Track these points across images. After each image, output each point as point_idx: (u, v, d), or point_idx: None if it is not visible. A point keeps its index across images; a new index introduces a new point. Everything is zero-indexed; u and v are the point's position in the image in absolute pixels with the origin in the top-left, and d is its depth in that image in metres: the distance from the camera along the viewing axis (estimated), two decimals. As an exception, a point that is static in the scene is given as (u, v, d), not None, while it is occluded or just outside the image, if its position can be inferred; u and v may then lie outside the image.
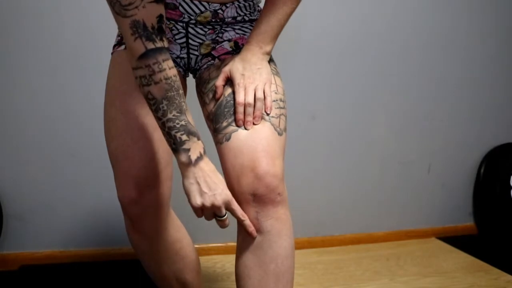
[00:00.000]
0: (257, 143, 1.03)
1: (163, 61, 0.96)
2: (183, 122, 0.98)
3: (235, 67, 1.11)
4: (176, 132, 0.98)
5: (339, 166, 2.21)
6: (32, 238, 1.90)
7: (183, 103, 1.00)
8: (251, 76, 1.09)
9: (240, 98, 1.07)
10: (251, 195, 1.01)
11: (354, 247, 2.22)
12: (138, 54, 0.94)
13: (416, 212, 2.35)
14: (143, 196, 1.11)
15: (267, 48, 1.12)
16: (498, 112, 2.40)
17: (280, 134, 1.07)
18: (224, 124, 1.08)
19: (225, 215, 1.03)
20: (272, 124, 1.07)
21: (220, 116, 1.10)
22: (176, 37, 1.15)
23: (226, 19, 1.14)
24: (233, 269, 1.97)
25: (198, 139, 1.00)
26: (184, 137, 0.98)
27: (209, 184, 0.99)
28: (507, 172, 2.31)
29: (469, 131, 2.37)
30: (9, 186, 1.86)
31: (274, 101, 1.09)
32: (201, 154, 1.00)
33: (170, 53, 1.17)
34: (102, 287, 1.77)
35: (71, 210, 1.93)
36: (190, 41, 1.15)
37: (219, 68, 1.15)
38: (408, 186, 2.32)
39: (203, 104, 1.19)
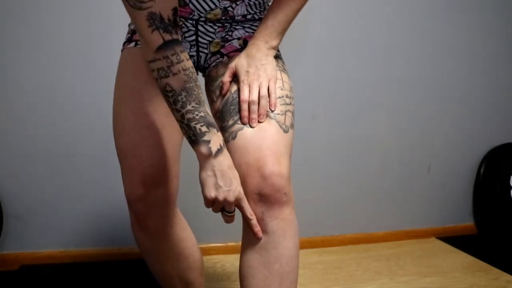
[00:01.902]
0: (262, 142, 1.03)
1: (181, 52, 0.96)
2: (202, 114, 0.98)
3: (240, 63, 1.11)
4: (196, 124, 0.97)
5: (339, 166, 2.21)
6: (32, 238, 1.89)
7: (201, 95, 0.99)
8: (255, 72, 1.09)
9: (244, 95, 1.07)
10: (257, 194, 1.01)
11: (354, 247, 2.22)
12: (156, 46, 0.94)
13: (416, 212, 2.35)
14: (149, 193, 1.11)
15: (273, 43, 1.11)
16: (498, 112, 2.41)
17: (285, 131, 1.07)
18: (230, 122, 1.08)
19: (234, 211, 1.03)
20: (278, 121, 1.06)
21: (226, 114, 1.09)
22: (186, 34, 1.14)
23: (236, 17, 1.14)
24: (233, 269, 1.97)
25: (217, 130, 1.00)
26: (204, 129, 0.98)
27: (226, 179, 0.98)
28: (507, 172, 2.32)
29: (469, 131, 2.37)
30: (9, 186, 1.85)
31: (279, 97, 1.09)
32: (221, 146, 0.99)
33: None
34: (102, 287, 1.76)
35: (71, 210, 1.92)
36: (199, 39, 1.15)
37: (226, 66, 1.15)
38: (408, 186, 2.32)
39: (211, 102, 1.19)
